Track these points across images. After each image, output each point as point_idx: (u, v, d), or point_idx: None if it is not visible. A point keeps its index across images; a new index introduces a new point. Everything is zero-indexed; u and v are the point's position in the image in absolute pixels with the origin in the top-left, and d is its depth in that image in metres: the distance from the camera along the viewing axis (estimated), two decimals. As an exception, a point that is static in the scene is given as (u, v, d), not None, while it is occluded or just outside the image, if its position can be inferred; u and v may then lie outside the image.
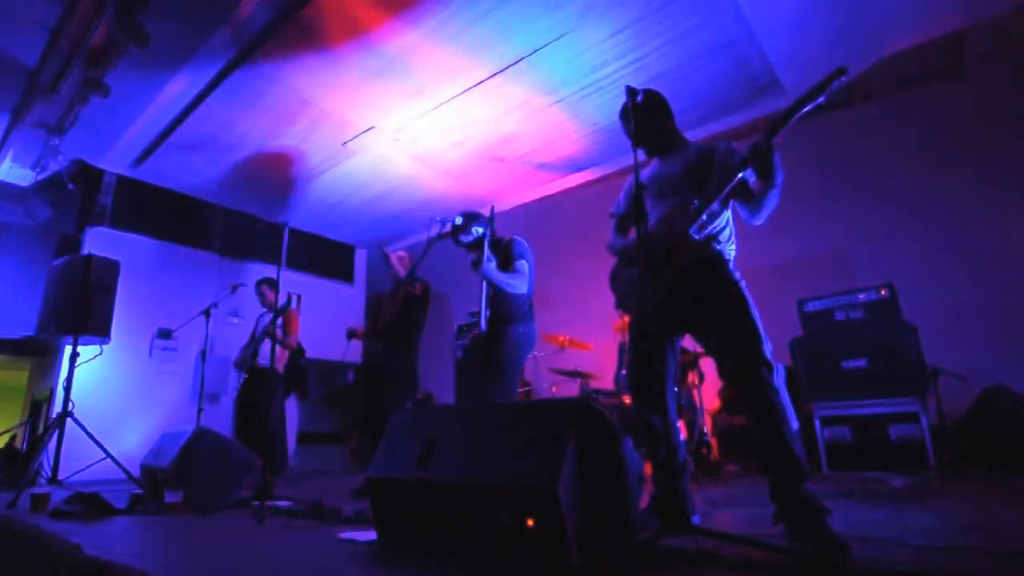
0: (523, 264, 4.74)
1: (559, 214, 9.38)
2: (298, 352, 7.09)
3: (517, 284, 4.65)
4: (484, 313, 4.57)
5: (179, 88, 6.85)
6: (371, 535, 3.03)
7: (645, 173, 3.48)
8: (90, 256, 6.56)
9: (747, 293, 2.91)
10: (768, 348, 2.76)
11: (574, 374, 7.32)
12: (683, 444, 3.27)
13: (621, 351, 7.13)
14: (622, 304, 3.44)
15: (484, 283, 4.57)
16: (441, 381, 9.62)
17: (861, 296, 5.72)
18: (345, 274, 12.18)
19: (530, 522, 2.25)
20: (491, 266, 4.53)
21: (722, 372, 2.88)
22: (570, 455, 2.24)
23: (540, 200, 9.52)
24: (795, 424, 2.66)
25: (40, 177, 8.47)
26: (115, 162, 8.63)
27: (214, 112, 7.31)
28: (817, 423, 5.61)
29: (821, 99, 2.57)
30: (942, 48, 6.39)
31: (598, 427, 2.44)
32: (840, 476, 5.33)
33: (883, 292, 5.61)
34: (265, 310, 7.49)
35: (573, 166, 8.92)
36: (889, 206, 6.80)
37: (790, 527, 2.51)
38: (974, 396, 5.42)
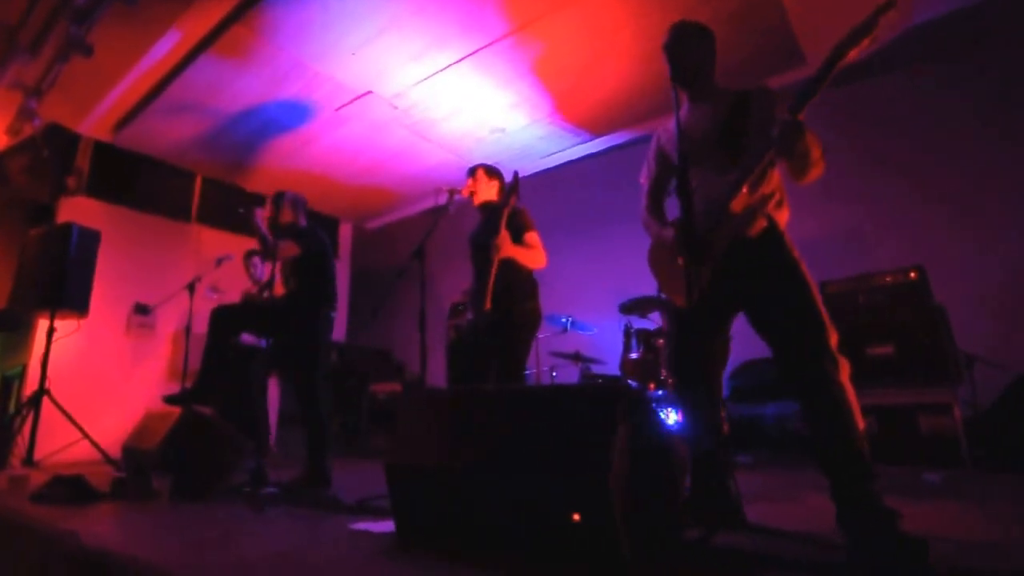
0: (536, 236, 4.63)
1: (560, 188, 9.23)
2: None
3: (539, 258, 4.55)
4: (486, 290, 4.42)
5: (167, 47, 6.63)
6: (386, 526, 2.92)
7: (670, 130, 3.32)
8: (70, 225, 6.39)
9: (807, 274, 2.74)
10: (833, 339, 2.62)
11: (575, 358, 7.25)
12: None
13: (627, 334, 7.05)
14: (664, 287, 3.24)
15: (492, 257, 4.41)
16: (429, 365, 9.51)
17: (888, 279, 5.62)
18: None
19: (576, 516, 2.13)
20: (509, 245, 4.41)
21: (779, 365, 2.73)
22: (620, 443, 2.13)
23: (540, 173, 9.38)
24: (861, 423, 2.53)
25: (13, 142, 8.26)
26: (93, 127, 8.38)
27: (202, 74, 7.09)
28: None
29: (853, 57, 2.43)
30: (967, 18, 6.27)
31: (645, 415, 2.34)
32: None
33: (911, 275, 5.51)
34: (249, 287, 7.39)
35: (577, 138, 8.80)
36: (913, 183, 6.67)
37: (857, 529, 2.40)
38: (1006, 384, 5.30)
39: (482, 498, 2.47)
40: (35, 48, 6.51)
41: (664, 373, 6.43)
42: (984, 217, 6.21)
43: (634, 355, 6.82)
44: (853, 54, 2.42)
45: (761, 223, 2.81)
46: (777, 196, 2.91)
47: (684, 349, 3.09)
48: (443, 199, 4.71)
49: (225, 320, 4.91)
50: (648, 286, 7.13)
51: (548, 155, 9.21)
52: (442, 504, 2.63)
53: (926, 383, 5.19)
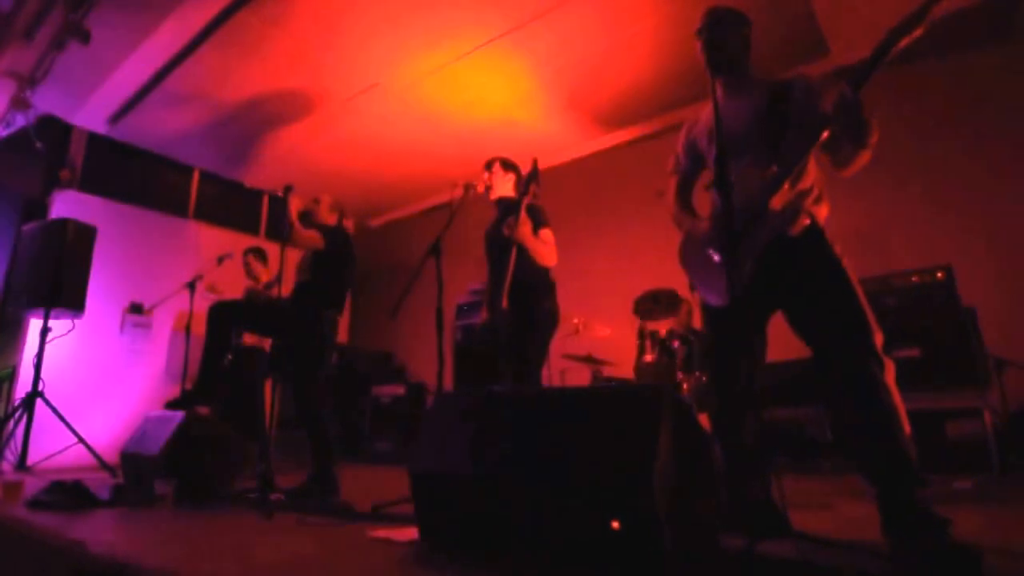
0: (549, 233, 4.60)
1: (573, 182, 9.18)
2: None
3: (550, 255, 4.52)
4: (503, 288, 4.39)
5: (167, 35, 6.57)
6: (408, 534, 2.90)
7: (703, 121, 3.33)
8: (66, 220, 6.37)
9: (851, 271, 2.72)
10: (879, 340, 2.60)
11: (587, 360, 7.21)
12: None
13: (641, 335, 7.03)
14: (697, 285, 3.21)
15: (511, 252, 4.38)
16: (433, 368, 9.47)
17: (914, 279, 5.59)
18: None
19: (615, 524, 2.11)
20: (527, 230, 4.37)
21: (821, 367, 2.71)
22: (662, 448, 2.11)
23: (553, 169, 9.34)
24: (908, 427, 2.51)
25: (4, 133, 8.23)
26: (88, 119, 8.35)
27: (204, 63, 7.04)
28: None
29: (905, 44, 2.41)
30: (993, 9, 6.24)
31: (683, 418, 2.32)
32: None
33: (938, 275, 5.48)
34: (252, 283, 7.37)
35: (593, 132, 8.77)
36: (939, 178, 6.63)
37: (906, 538, 2.38)
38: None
39: (513, 504, 2.43)
40: (30, 35, 6.45)
41: (680, 376, 6.40)
42: (1017, 216, 6.18)
43: (649, 357, 6.79)
44: (905, 41, 2.41)
45: (803, 221, 2.79)
46: (816, 191, 2.88)
47: (720, 349, 3.07)
48: (459, 193, 4.69)
49: (224, 317, 4.88)
50: (667, 284, 7.17)
51: (562, 149, 9.15)
52: (470, 510, 2.61)
53: (954, 387, 5.15)
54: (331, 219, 5.45)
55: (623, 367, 7.28)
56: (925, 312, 5.43)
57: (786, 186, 2.72)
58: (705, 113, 3.32)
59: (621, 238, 8.52)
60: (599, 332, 7.39)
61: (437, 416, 2.97)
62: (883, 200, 6.77)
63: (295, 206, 5.05)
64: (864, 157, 2.70)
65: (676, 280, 7.23)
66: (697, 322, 6.83)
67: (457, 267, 8.07)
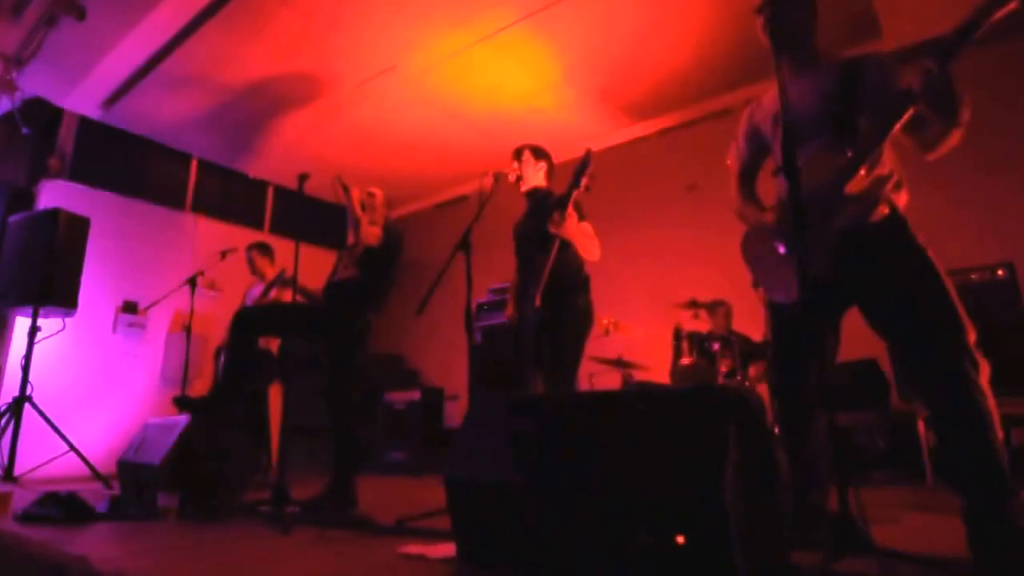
0: (590, 227, 4.54)
1: (601, 174, 9.10)
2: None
3: (596, 249, 4.47)
4: (539, 285, 4.31)
5: (168, 12, 6.51)
6: (442, 551, 2.83)
7: (766, 104, 3.26)
8: (58, 211, 6.30)
9: (937, 263, 2.65)
10: (972, 337, 2.52)
11: (617, 363, 7.17)
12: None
13: (677, 337, 6.99)
14: (762, 281, 3.14)
15: (551, 247, 4.30)
16: (449, 372, 9.44)
17: (973, 276, 5.53)
18: (339, 243, 11.61)
19: (680, 539, 2.04)
20: (573, 223, 4.31)
21: (908, 367, 2.64)
22: (733, 457, 2.04)
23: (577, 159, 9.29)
24: (1000, 432, 2.45)
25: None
26: (80, 103, 8.32)
27: (206, 43, 6.99)
28: (920, 425, 5.45)
29: (997, 18, 2.35)
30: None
31: (752, 423, 2.25)
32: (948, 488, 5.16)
33: (999, 272, 5.42)
34: (256, 281, 7.33)
35: (623, 120, 8.72)
36: (999, 167, 6.52)
37: (996, 553, 2.31)
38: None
39: (561, 518, 2.37)
40: (18, 10, 6.41)
41: (721, 381, 6.37)
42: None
43: (686, 360, 6.75)
44: (1000, 13, 2.34)
45: (882, 209, 2.74)
46: (895, 177, 2.82)
47: (789, 350, 3.02)
48: (488, 183, 4.63)
49: (251, 324, 4.90)
50: (701, 283, 7.12)
51: (589, 139, 9.01)
52: (513, 525, 2.53)
53: (1019, 391, 5.07)
54: (384, 213, 5.45)
55: (657, 371, 7.22)
56: (985, 310, 5.34)
57: (862, 171, 2.66)
58: (768, 96, 3.25)
59: (656, 232, 8.46)
60: (630, 333, 7.33)
61: (476, 420, 2.90)
62: (940, 189, 6.67)
63: (357, 197, 5.10)
64: (954, 137, 2.65)
65: (711, 279, 7.24)
66: (736, 323, 6.82)
67: (474, 264, 8.05)
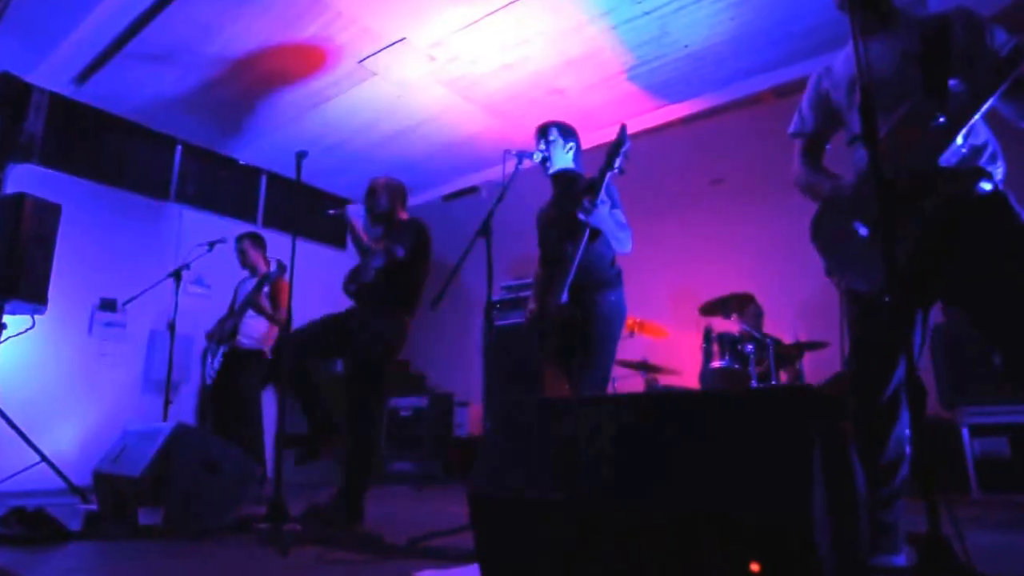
0: (622, 215, 4.39)
1: (631, 162, 9.03)
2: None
3: (629, 241, 4.31)
4: (566, 278, 4.15)
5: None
6: (463, 573, 2.69)
7: (838, 70, 3.16)
8: (23, 195, 6.11)
9: None
10: None
11: (642, 366, 7.12)
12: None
13: (707, 339, 6.92)
14: (837, 267, 2.98)
15: (581, 237, 4.15)
16: (457, 377, 9.36)
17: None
18: (336, 237, 11.72)
19: (755, 566, 1.85)
20: (605, 210, 4.14)
21: (1012, 364, 2.47)
22: (817, 468, 1.89)
23: (603, 145, 9.19)
24: None
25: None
26: (51, 78, 8.22)
27: (194, 11, 6.85)
28: (965, 433, 5.48)
29: None
30: None
31: (831, 429, 2.09)
32: (995, 499, 5.24)
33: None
34: (247, 274, 7.22)
35: (652, 101, 8.60)
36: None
37: None
38: None
39: (607, 538, 2.22)
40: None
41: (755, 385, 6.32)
42: None
43: (717, 364, 6.69)
44: None
45: (984, 184, 2.60)
46: (990, 147, 2.73)
47: (873, 345, 2.90)
48: (511, 164, 4.48)
49: (302, 350, 5.04)
50: (734, 280, 7.00)
51: (615, 124, 8.92)
52: (548, 545, 2.39)
53: None
54: (390, 206, 5.52)
55: (684, 375, 7.16)
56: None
57: (958, 141, 2.53)
58: (839, 61, 3.18)
59: (685, 226, 8.38)
60: (655, 334, 7.28)
61: (504, 428, 2.75)
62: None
63: (359, 220, 5.37)
64: None
65: (739, 277, 7.15)
66: (767, 324, 6.75)
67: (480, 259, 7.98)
